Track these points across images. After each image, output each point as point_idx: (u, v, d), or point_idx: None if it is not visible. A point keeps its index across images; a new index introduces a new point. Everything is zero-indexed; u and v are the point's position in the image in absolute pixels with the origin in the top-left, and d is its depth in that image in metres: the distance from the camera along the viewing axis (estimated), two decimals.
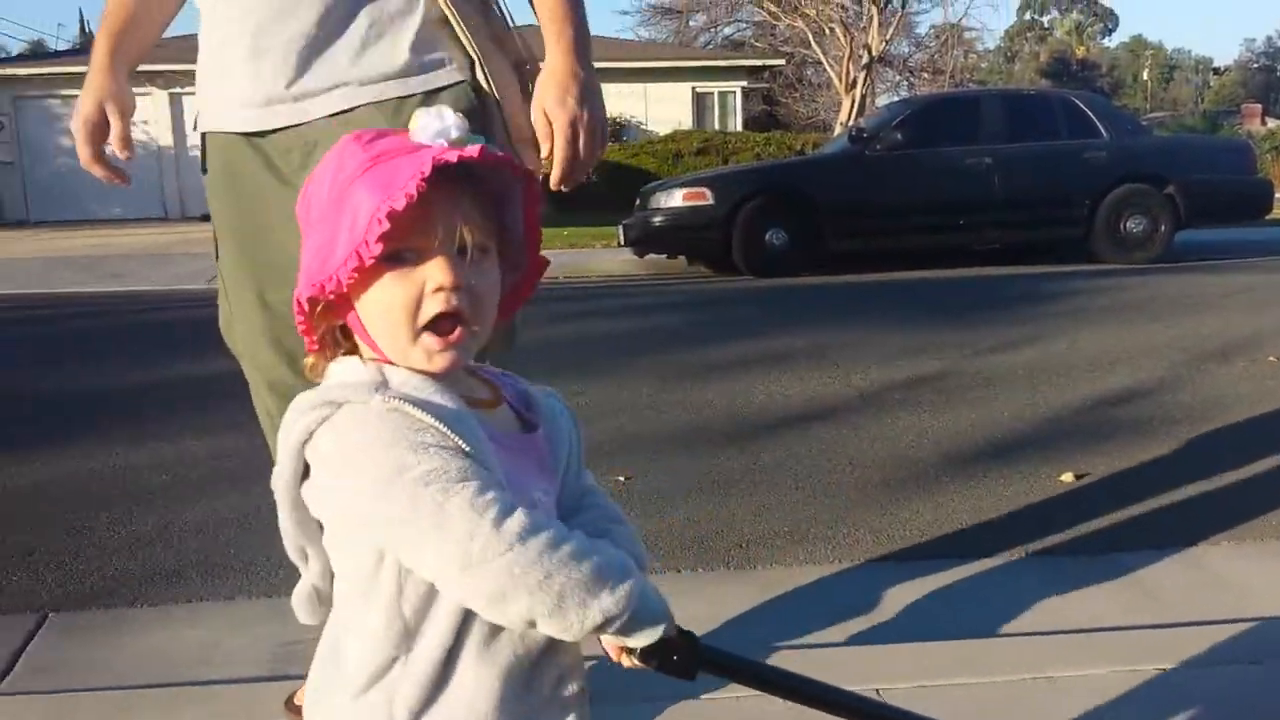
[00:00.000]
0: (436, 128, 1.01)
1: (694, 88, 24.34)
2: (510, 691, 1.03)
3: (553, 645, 1.04)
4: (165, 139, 21.67)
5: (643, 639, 1.01)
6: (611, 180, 19.46)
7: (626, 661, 1.06)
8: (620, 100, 22.55)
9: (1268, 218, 11.47)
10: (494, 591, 0.95)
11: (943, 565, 3.04)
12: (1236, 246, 11.36)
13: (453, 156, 0.98)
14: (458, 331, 1.02)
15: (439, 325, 1.01)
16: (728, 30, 35.35)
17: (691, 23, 35.40)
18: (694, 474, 3.87)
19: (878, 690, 2.26)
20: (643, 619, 1.00)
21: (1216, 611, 2.63)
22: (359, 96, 1.68)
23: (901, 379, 5.23)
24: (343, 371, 1.05)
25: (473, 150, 0.99)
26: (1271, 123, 42.04)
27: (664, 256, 11.09)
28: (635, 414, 4.68)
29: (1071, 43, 64.26)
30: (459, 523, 0.94)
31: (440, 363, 1.02)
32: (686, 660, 1.05)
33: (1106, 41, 70.17)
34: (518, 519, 0.95)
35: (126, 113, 1.83)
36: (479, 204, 1.04)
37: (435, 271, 1.00)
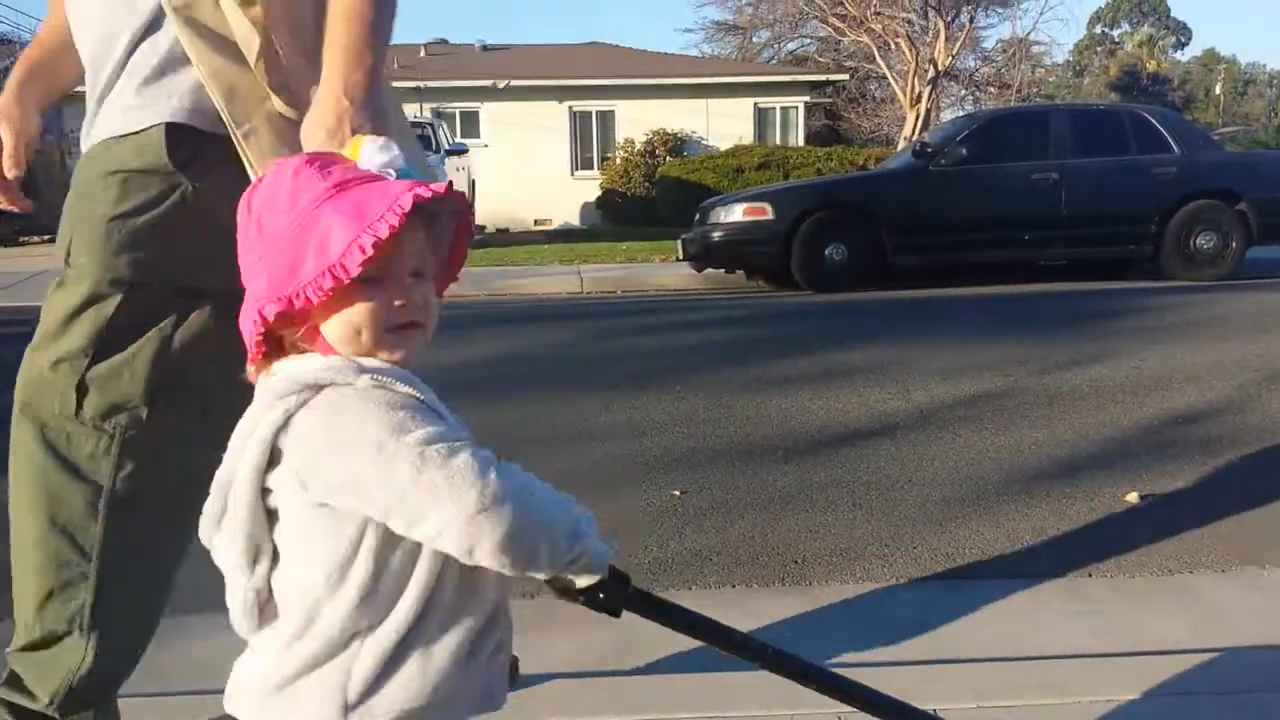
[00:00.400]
0: (384, 159, 1.13)
1: (755, 103, 24.31)
2: (460, 658, 1.13)
3: (495, 616, 1.16)
4: None
5: (587, 580, 1.15)
6: (671, 195, 19.50)
7: (561, 598, 1.18)
8: (681, 116, 22.59)
9: None
10: (507, 533, 1.04)
11: (1003, 585, 3.00)
12: None
13: (427, 194, 1.08)
14: (414, 331, 1.14)
15: (399, 328, 1.14)
16: (791, 45, 35.28)
17: (755, 38, 35.41)
18: (749, 490, 3.85)
19: (934, 709, 2.23)
20: (595, 564, 1.13)
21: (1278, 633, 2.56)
22: (94, 136, 1.68)
23: (963, 396, 5.17)
24: (304, 363, 1.12)
25: (440, 187, 1.10)
26: None
27: (723, 271, 11.08)
28: (690, 429, 4.68)
29: (1142, 56, 63.18)
30: (468, 473, 1.04)
31: (399, 354, 1.13)
32: (614, 599, 1.19)
33: (1179, 55, 68.85)
34: (515, 472, 1.07)
35: (21, 134, 1.88)
36: (423, 226, 1.16)
37: (398, 291, 1.12)
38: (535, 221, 22.70)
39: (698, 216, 11.02)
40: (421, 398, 1.09)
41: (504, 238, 19.05)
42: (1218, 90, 58.22)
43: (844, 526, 3.46)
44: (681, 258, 11.17)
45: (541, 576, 1.11)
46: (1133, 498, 3.66)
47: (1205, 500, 3.64)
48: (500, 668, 1.19)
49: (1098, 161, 10.49)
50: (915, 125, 24.29)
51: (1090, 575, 3.08)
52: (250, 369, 1.16)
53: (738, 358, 6.32)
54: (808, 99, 25.59)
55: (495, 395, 5.21)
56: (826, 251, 10.04)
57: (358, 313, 1.10)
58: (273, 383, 1.11)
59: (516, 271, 11.99)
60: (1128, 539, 3.32)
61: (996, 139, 10.77)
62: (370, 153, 1.13)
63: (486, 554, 1.05)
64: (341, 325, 1.11)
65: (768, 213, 10.25)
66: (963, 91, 33.05)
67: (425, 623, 1.10)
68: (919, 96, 25.30)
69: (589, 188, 23.12)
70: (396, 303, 1.12)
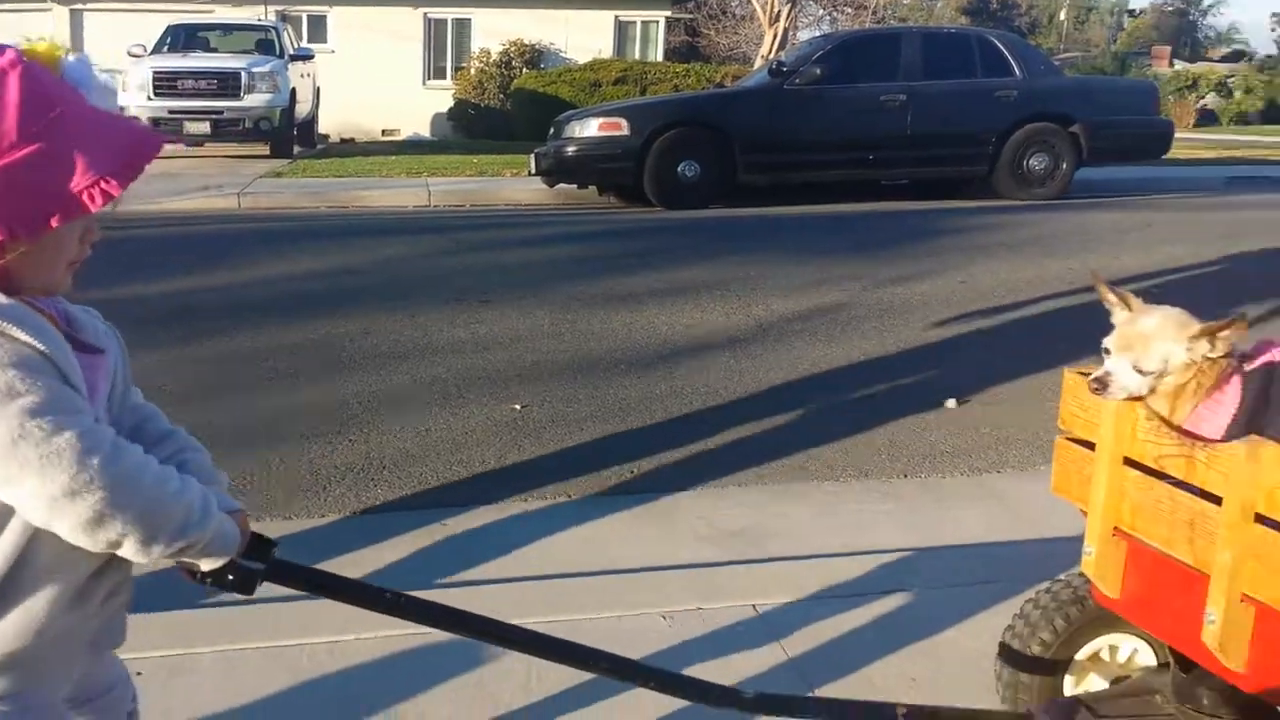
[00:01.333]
0: (102, 82, 1.09)
1: (616, 16, 23.98)
2: (65, 602, 1.11)
3: (110, 561, 1.13)
4: None
5: (210, 564, 1.15)
6: (526, 108, 19.22)
7: (190, 579, 1.19)
8: (540, 27, 22.15)
9: (1167, 157, 11.75)
10: (91, 519, 1.02)
11: (825, 487, 3.16)
12: (1136, 184, 11.64)
13: (159, 145, 1.10)
14: (78, 264, 1.14)
15: (74, 262, 1.13)
16: None
17: None
18: (590, 403, 3.91)
19: (754, 606, 2.35)
20: (215, 550, 1.13)
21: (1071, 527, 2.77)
22: None
23: (801, 310, 5.32)
24: None
25: (169, 137, 1.17)
26: (1179, 65, 42.86)
27: (575, 187, 11.02)
28: (534, 343, 4.70)
29: None
30: (68, 455, 1.00)
31: (67, 286, 1.13)
32: (244, 579, 1.20)
33: None
34: (123, 457, 1.04)
35: None
36: None
37: (93, 224, 1.11)
38: (383, 132, 22.05)
39: (552, 131, 10.89)
40: (44, 349, 1.03)
41: (349, 148, 18.38)
42: (1061, 16, 60.08)
43: (678, 435, 3.56)
44: (534, 172, 11.04)
45: (145, 562, 1.08)
46: (951, 404, 3.87)
47: (1017, 405, 3.86)
48: (119, 609, 1.20)
49: (944, 84, 10.75)
50: (773, 44, 24.30)
51: (905, 476, 3.26)
52: None
53: (585, 273, 6.34)
54: (669, 14, 25.40)
55: (335, 309, 5.11)
56: (679, 168, 10.08)
57: (62, 244, 1.09)
58: None
59: (360, 183, 11.62)
60: (943, 442, 3.52)
61: (850, 60, 10.90)
62: (82, 74, 1.07)
63: (65, 533, 1.03)
64: (47, 252, 1.07)
65: (623, 128, 10.20)
66: (821, 12, 33.28)
67: (25, 570, 1.08)
68: (778, 15, 25.29)
69: (441, 98, 22.53)
70: (89, 237, 1.12)
